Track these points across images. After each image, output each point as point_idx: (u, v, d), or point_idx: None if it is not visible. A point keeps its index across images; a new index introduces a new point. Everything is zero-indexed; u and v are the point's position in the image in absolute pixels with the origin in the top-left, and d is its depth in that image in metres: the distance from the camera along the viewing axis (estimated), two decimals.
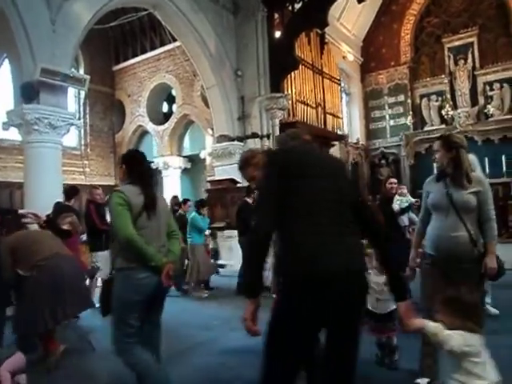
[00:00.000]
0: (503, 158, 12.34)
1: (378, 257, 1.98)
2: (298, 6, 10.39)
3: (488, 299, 4.49)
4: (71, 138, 11.90)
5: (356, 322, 1.76)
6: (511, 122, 13.06)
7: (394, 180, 5.45)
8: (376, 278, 3.04)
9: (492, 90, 13.62)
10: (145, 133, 13.83)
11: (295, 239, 1.69)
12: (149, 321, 2.62)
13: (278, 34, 10.64)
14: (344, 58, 14.93)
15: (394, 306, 2.71)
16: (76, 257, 4.31)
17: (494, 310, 4.47)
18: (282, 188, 1.72)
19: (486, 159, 11.42)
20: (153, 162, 12.88)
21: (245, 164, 2.52)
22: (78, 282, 3.66)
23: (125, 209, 2.50)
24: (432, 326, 1.80)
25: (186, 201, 7.77)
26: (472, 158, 3.26)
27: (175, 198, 8.44)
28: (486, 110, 13.64)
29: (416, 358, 2.90)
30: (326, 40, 13.09)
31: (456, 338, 1.74)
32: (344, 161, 14.27)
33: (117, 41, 13.76)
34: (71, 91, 9.87)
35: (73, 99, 12.28)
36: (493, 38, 13.82)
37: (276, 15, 10.72)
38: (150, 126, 13.36)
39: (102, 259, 5.61)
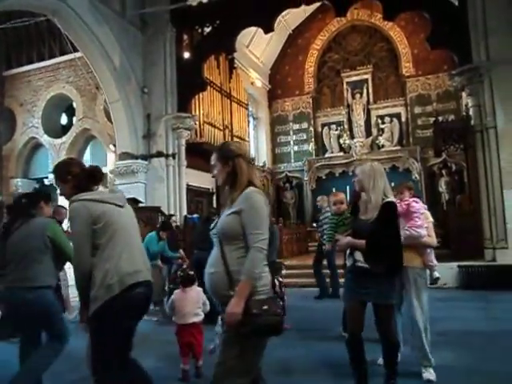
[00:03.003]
0: (392, 184, 13.49)
1: None
2: (207, 29, 10.50)
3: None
4: None
5: None
6: (399, 152, 14.47)
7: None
8: None
9: (383, 123, 15.02)
10: (39, 146, 12.73)
11: None
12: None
13: (186, 54, 10.63)
14: (252, 83, 15.40)
15: None
16: None
17: None
18: None
19: None
20: (47, 178, 11.89)
21: None
22: None
23: None
24: None
25: None
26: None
27: None
28: (377, 141, 14.95)
29: None
30: (235, 65, 13.43)
31: None
32: None
33: (9, 45, 12.60)
34: None
35: None
36: (384, 77, 15.34)
37: (185, 36, 10.71)
38: (44, 139, 12.33)
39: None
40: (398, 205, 3.31)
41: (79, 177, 2.43)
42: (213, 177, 2.26)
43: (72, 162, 2.65)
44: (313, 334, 4.96)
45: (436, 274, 3.57)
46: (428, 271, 3.58)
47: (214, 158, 2.18)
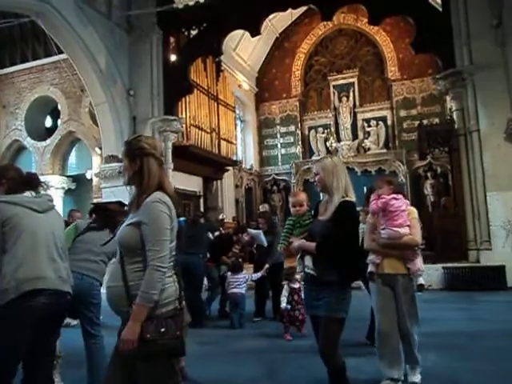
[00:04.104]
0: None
1: None
2: (194, 32, 10.47)
3: None
4: None
5: None
6: (385, 155, 14.59)
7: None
8: None
9: (370, 126, 15.14)
10: (22, 148, 12.53)
11: None
12: None
13: (173, 57, 10.58)
14: (239, 86, 15.40)
15: None
16: None
17: None
18: None
19: (365, 188, 12.49)
20: None
21: None
22: None
23: None
24: None
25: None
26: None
27: None
28: (363, 144, 15.07)
29: None
30: (222, 68, 13.41)
31: None
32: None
33: None
34: None
35: None
36: (370, 81, 15.49)
37: (172, 39, 10.67)
38: (28, 142, 12.15)
39: None
40: (373, 202, 3.20)
41: (14, 181, 2.40)
42: (119, 172, 2.11)
43: (9, 166, 2.65)
44: None
45: (421, 281, 3.21)
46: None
47: (122, 152, 2.02)
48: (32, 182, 2.46)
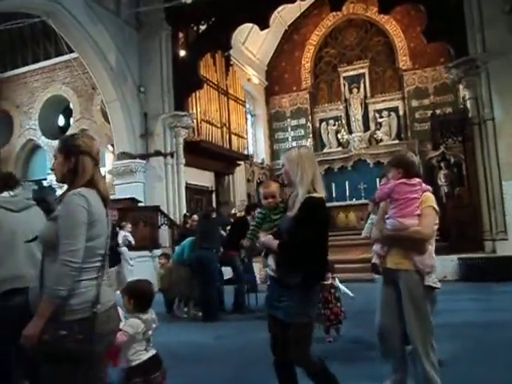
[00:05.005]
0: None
1: None
2: (202, 27, 10.47)
3: None
4: None
5: None
6: (397, 146, 14.42)
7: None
8: None
9: (381, 117, 15.00)
10: (36, 147, 12.72)
11: None
12: None
13: (182, 52, 10.60)
14: (249, 80, 15.36)
15: None
16: None
17: None
18: None
19: (377, 180, 12.40)
20: (45, 179, 11.88)
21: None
22: None
23: None
24: None
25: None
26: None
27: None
28: (375, 136, 14.93)
29: None
30: (232, 62, 13.39)
31: None
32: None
33: (4, 47, 12.56)
34: None
35: None
36: (381, 71, 15.31)
37: (181, 34, 10.68)
38: (42, 141, 12.33)
39: (110, 274, 5.67)
40: (379, 189, 2.89)
41: None
42: (52, 169, 1.99)
43: None
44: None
45: (428, 281, 2.67)
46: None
47: (55, 148, 1.92)
48: (9, 182, 2.50)
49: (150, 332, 2.44)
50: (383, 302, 2.84)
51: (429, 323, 2.66)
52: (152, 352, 2.43)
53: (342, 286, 4.56)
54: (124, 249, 7.22)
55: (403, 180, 2.74)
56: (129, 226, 7.59)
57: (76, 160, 1.82)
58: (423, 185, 2.78)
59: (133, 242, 7.52)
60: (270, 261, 2.39)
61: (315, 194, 2.31)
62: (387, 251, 2.79)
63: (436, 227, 2.80)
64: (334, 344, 4.28)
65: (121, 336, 2.23)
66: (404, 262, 2.68)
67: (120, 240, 7.07)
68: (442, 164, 13.62)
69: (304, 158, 2.37)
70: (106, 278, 1.84)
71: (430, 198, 2.76)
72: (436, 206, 2.74)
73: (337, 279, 4.58)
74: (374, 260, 2.99)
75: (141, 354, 2.38)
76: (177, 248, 6.77)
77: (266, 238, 2.38)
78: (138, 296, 2.45)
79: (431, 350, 2.62)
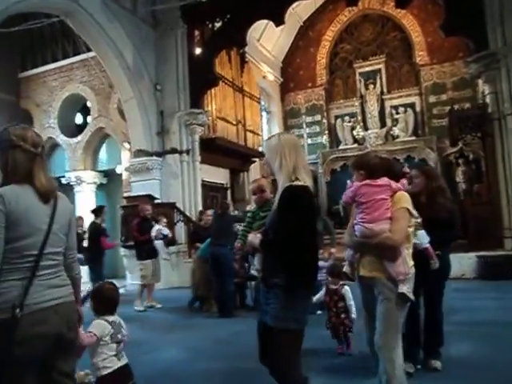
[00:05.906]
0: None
1: None
2: (218, 24, 10.50)
3: None
4: None
5: None
6: (414, 142, 14.24)
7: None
8: None
9: (398, 113, 14.80)
10: (55, 145, 12.94)
11: None
12: None
13: (198, 50, 10.65)
14: (264, 77, 15.34)
15: None
16: None
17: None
18: None
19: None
20: (64, 177, 12.08)
21: None
22: None
23: None
24: None
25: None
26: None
27: None
28: (392, 132, 14.76)
29: None
30: (247, 59, 13.39)
31: None
32: None
33: (24, 47, 12.80)
34: None
35: None
36: (398, 66, 15.10)
37: (196, 32, 10.73)
38: (61, 139, 12.53)
39: (146, 267, 6.78)
40: (344, 193, 2.67)
41: None
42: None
43: None
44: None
45: (402, 289, 2.38)
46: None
47: None
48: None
49: (119, 336, 2.39)
50: (365, 309, 2.65)
51: (397, 334, 2.42)
52: (124, 361, 2.39)
53: (349, 296, 3.90)
54: (157, 242, 7.10)
55: (366, 181, 2.51)
56: (164, 220, 7.56)
57: (6, 156, 1.72)
58: (394, 184, 2.52)
59: (170, 235, 7.48)
60: (256, 260, 2.25)
61: (297, 182, 2.08)
62: (359, 258, 2.57)
63: (411, 230, 2.53)
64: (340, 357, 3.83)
65: (88, 338, 2.23)
66: (376, 269, 2.44)
67: (153, 233, 6.95)
68: (460, 160, 13.39)
69: (284, 144, 2.17)
70: (46, 278, 1.70)
71: (402, 199, 2.49)
72: (410, 207, 2.48)
73: (346, 287, 3.93)
74: (345, 268, 2.79)
75: (112, 361, 2.32)
76: (202, 245, 6.79)
77: (252, 236, 2.20)
78: (102, 299, 2.46)
79: (397, 357, 2.38)
